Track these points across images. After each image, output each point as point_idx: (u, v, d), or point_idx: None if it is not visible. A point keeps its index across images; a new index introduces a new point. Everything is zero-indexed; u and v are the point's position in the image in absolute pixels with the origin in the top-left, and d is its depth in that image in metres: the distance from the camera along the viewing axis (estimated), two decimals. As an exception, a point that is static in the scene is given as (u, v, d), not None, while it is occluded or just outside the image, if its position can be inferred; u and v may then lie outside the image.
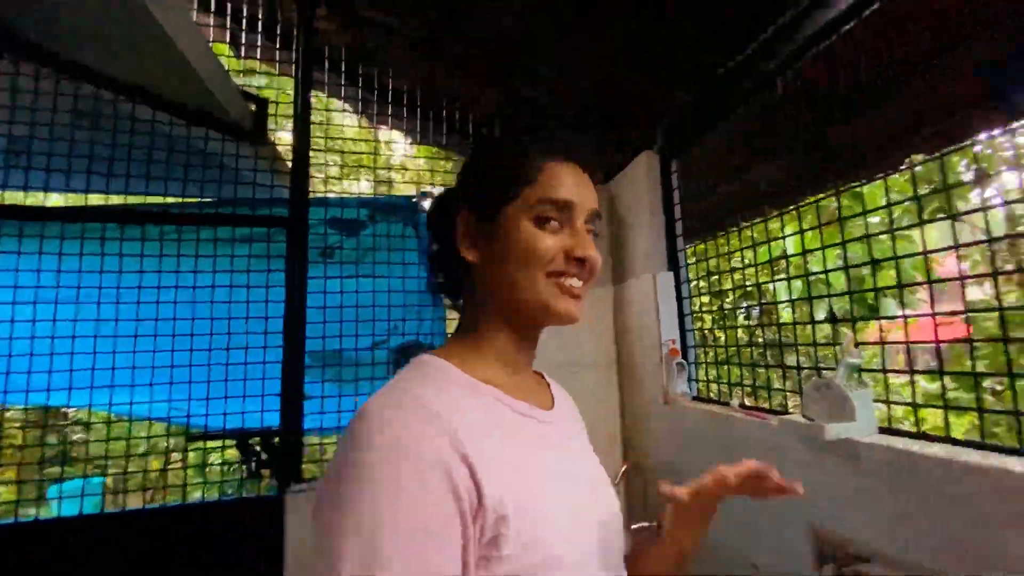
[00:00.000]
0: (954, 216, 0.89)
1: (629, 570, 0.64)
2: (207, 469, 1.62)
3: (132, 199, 1.69)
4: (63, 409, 2.06)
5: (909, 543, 0.82)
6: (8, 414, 1.67)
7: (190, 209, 1.75)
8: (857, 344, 1.02)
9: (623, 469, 1.71)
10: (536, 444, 0.58)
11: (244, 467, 1.65)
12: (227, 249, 1.69)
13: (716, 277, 1.61)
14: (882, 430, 0.96)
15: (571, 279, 0.59)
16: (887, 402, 0.98)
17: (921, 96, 1.06)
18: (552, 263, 0.58)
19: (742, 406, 1.33)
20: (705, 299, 1.63)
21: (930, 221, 1.01)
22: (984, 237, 0.83)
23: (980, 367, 0.91)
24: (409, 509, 0.43)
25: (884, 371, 0.99)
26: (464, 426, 0.49)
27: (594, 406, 1.89)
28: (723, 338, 1.52)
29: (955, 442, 0.85)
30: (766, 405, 1.32)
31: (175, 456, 1.66)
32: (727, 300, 1.51)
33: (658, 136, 1.76)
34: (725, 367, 1.50)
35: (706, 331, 1.61)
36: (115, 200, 1.69)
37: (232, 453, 1.69)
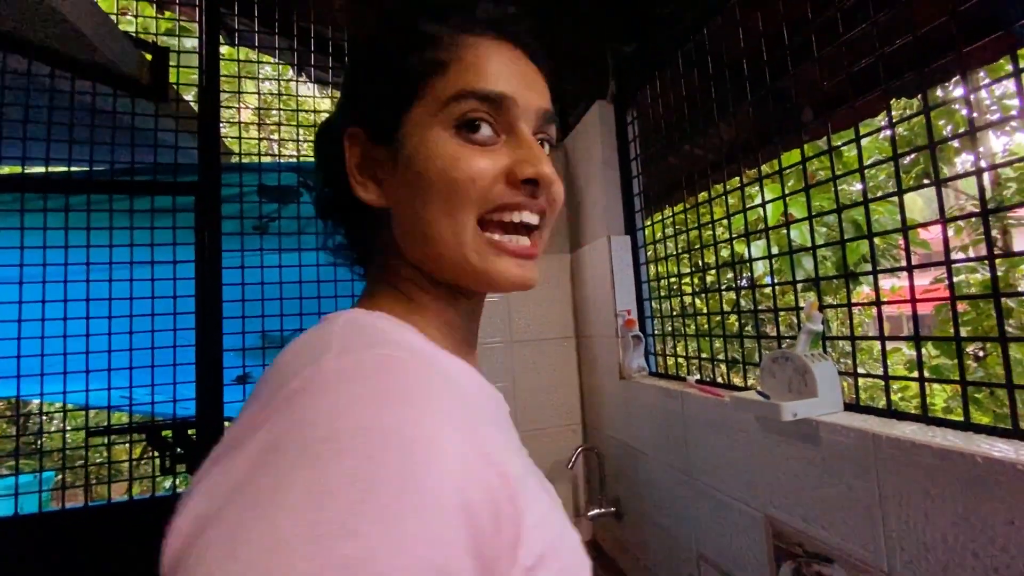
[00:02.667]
0: (939, 182, 0.73)
1: None
2: (114, 466, 1.45)
3: (7, 168, 1.47)
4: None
5: (878, 544, 0.68)
6: None
7: (78, 176, 1.53)
8: (821, 307, 0.87)
9: (578, 450, 1.57)
10: (512, 440, 0.40)
11: (157, 462, 1.48)
12: (126, 221, 1.49)
13: (673, 241, 1.46)
14: (848, 407, 0.82)
15: (519, 214, 0.39)
16: (854, 374, 0.84)
17: (900, 26, 0.89)
18: (488, 197, 0.38)
19: (699, 382, 1.19)
20: (663, 267, 1.48)
21: (911, 189, 0.85)
22: (968, 204, 0.68)
23: (963, 333, 0.78)
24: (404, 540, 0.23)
25: (852, 338, 0.85)
26: (486, 431, 0.31)
27: (555, 382, 1.75)
28: (682, 308, 1.38)
29: (931, 420, 0.71)
30: (730, 381, 1.18)
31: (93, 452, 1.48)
32: (683, 266, 1.36)
33: (611, 84, 1.57)
34: (683, 340, 1.35)
35: (663, 301, 1.46)
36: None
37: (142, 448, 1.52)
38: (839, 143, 0.98)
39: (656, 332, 1.49)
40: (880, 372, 0.81)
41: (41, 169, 1.47)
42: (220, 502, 0.24)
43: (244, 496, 0.24)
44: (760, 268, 2.87)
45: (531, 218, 0.40)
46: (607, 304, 1.52)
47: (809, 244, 2.31)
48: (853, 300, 0.89)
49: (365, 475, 0.24)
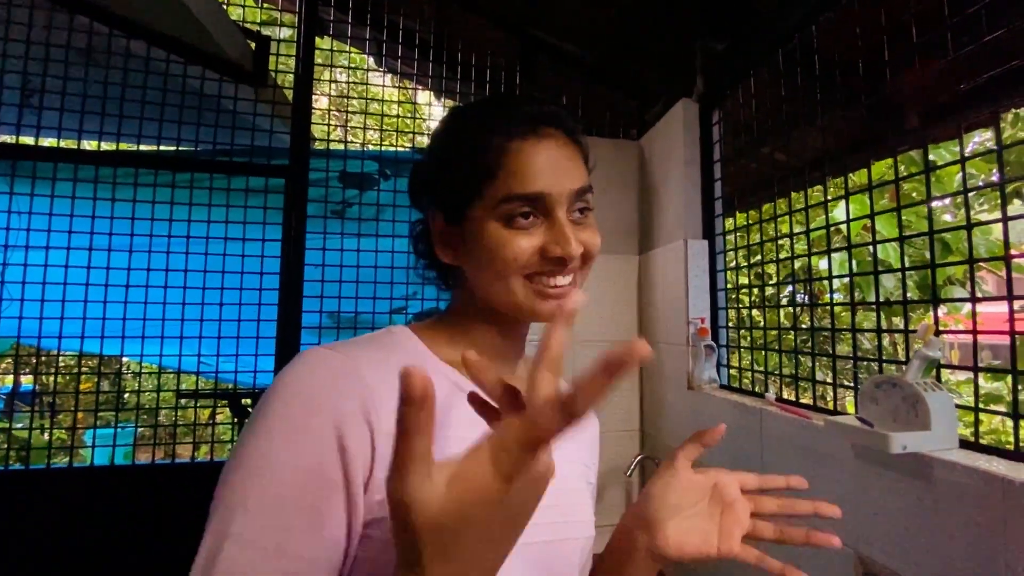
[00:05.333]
0: None
1: None
2: (199, 429, 1.56)
3: (124, 145, 1.61)
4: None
5: (994, 595, 0.62)
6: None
7: (185, 155, 1.65)
8: (938, 332, 0.80)
9: (637, 458, 1.54)
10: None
11: (236, 428, 1.58)
12: (222, 199, 1.59)
13: (758, 254, 1.39)
14: (964, 444, 0.75)
15: (554, 279, 0.50)
16: (975, 409, 0.77)
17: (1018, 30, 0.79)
18: (527, 267, 0.49)
19: (778, 399, 1.13)
20: (744, 277, 1.41)
21: (1017, 217, 0.77)
22: None
23: None
24: (286, 446, 0.40)
25: (976, 369, 0.77)
26: (389, 396, 0.42)
27: (615, 387, 1.72)
28: (761, 321, 1.31)
29: (1070, 468, 0.64)
30: (806, 400, 1.11)
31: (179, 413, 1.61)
32: (769, 278, 1.29)
33: (697, 81, 1.51)
34: (763, 353, 1.29)
35: (743, 312, 1.40)
36: (107, 146, 1.60)
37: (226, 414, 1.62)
38: (935, 160, 0.90)
39: (731, 343, 1.43)
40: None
41: (152, 148, 1.59)
42: None
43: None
44: (836, 284, 2.70)
45: (563, 280, 0.51)
46: (679, 310, 1.48)
47: (888, 260, 2.13)
48: (928, 320, 0.82)
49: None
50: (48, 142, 1.58)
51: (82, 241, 1.50)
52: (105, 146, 1.59)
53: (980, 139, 2.34)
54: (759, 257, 1.40)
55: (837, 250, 1.26)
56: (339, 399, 0.43)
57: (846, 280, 1.09)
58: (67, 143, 1.58)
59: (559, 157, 0.51)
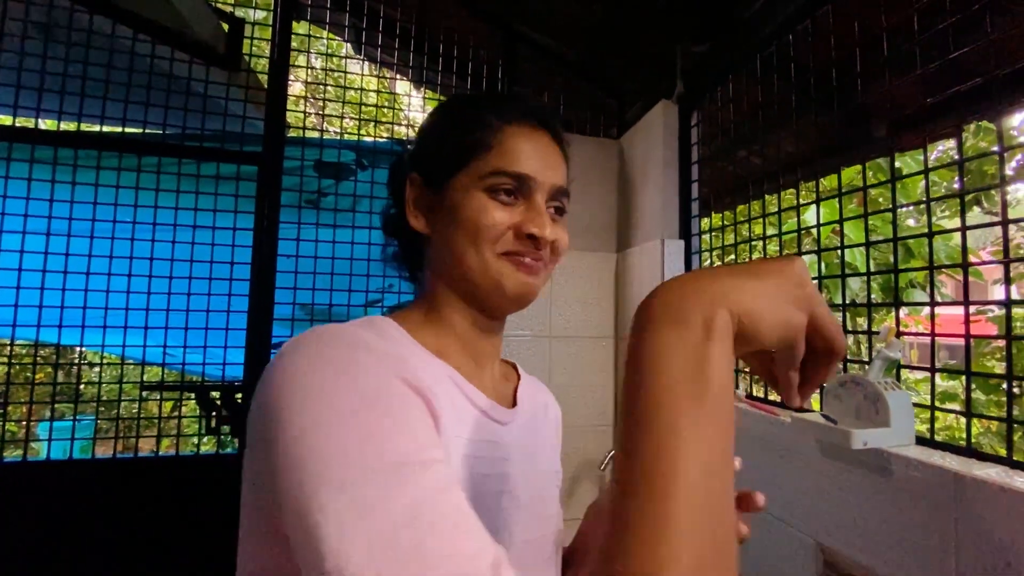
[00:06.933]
0: (1007, 222, 0.71)
1: None
2: (165, 421, 1.51)
3: (86, 126, 1.53)
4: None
5: (944, 583, 0.66)
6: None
7: (152, 139, 1.59)
8: (899, 334, 0.83)
9: (610, 453, 1.56)
10: (478, 439, 0.50)
11: (203, 422, 1.54)
12: (191, 185, 1.53)
13: (732, 255, 1.42)
14: (920, 440, 0.79)
15: (525, 259, 0.52)
16: (931, 407, 0.80)
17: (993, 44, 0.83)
18: (500, 241, 0.51)
19: (748, 396, 1.16)
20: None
21: (977, 227, 0.81)
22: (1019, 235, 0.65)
23: (1002, 369, 0.74)
24: (374, 403, 0.36)
25: (933, 369, 0.81)
26: (423, 377, 0.40)
27: (588, 381, 1.74)
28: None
29: (1015, 464, 0.68)
30: (775, 397, 1.15)
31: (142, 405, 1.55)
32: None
33: (678, 83, 1.53)
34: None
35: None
36: (67, 126, 1.52)
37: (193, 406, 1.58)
38: (901, 167, 0.94)
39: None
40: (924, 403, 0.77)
41: (117, 129, 1.53)
42: None
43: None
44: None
45: (533, 261, 0.52)
46: (654, 309, 1.50)
47: (856, 264, 2.21)
48: (890, 321, 0.86)
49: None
50: (2, 120, 1.50)
51: (39, 225, 1.43)
52: (65, 127, 1.52)
53: (944, 147, 2.45)
54: (733, 258, 1.44)
55: (807, 253, 1.30)
56: (400, 369, 0.39)
57: (816, 281, 1.13)
58: (24, 122, 1.49)
59: (548, 152, 0.54)
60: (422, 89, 1.83)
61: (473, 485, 0.46)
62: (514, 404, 0.58)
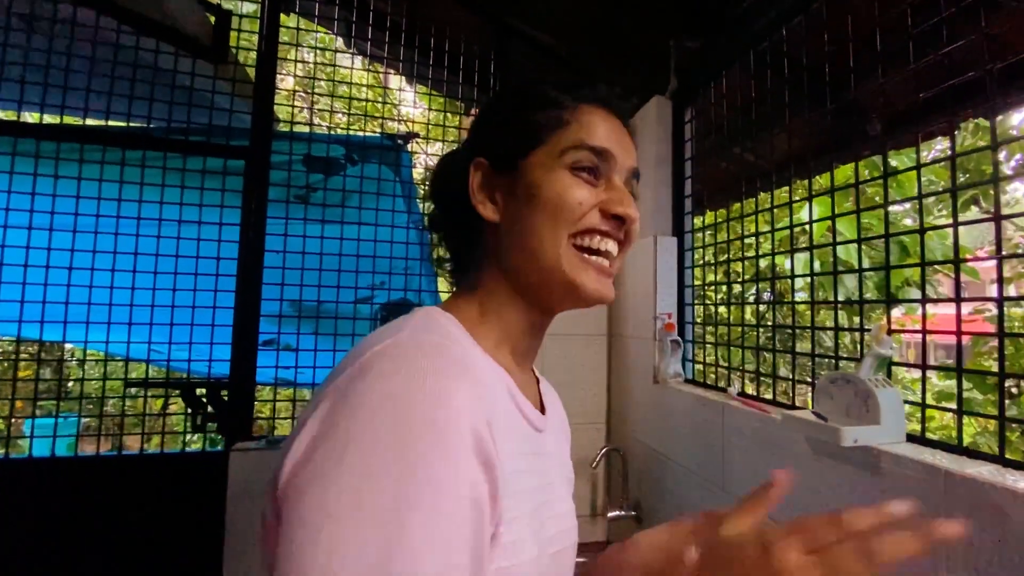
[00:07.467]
0: (999, 217, 0.70)
1: None
2: (151, 419, 1.49)
3: (69, 119, 1.50)
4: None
5: (934, 583, 0.65)
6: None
7: (137, 132, 1.56)
8: (890, 331, 0.82)
9: (603, 450, 1.55)
10: (526, 452, 0.48)
11: (189, 419, 1.52)
12: (177, 179, 1.51)
13: (725, 252, 1.41)
14: (911, 438, 0.78)
15: (604, 241, 0.50)
16: (923, 405, 0.79)
17: (988, 40, 0.81)
18: (583, 219, 0.48)
19: (741, 394, 1.15)
20: (711, 274, 1.43)
21: (969, 223, 0.81)
22: (1017, 235, 0.64)
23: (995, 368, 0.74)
24: (443, 469, 0.34)
25: (924, 367, 0.80)
26: (492, 402, 0.41)
27: (581, 379, 1.73)
28: (727, 317, 1.33)
29: (1008, 463, 0.67)
30: (768, 395, 1.14)
31: (127, 402, 1.52)
32: (736, 276, 1.32)
33: (671, 78, 1.52)
34: (727, 349, 1.31)
35: (709, 308, 1.42)
36: (50, 119, 1.49)
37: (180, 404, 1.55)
38: (897, 165, 0.92)
39: (696, 339, 1.45)
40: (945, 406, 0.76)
41: (101, 122, 1.50)
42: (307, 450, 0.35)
43: (324, 444, 0.35)
44: (799, 282, 2.78)
45: (612, 247, 0.51)
46: (646, 306, 1.49)
47: (851, 261, 2.21)
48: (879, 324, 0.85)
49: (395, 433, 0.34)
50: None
51: (21, 219, 1.40)
52: (48, 119, 1.49)
53: (942, 147, 2.45)
54: (727, 255, 1.42)
55: (801, 250, 1.29)
56: (475, 408, 0.37)
57: (809, 279, 1.12)
58: (6, 114, 1.47)
59: (624, 135, 0.53)
60: (413, 83, 1.81)
61: (525, 500, 0.44)
62: (542, 408, 0.57)
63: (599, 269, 0.49)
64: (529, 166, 0.50)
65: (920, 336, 0.81)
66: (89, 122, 1.50)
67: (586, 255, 0.49)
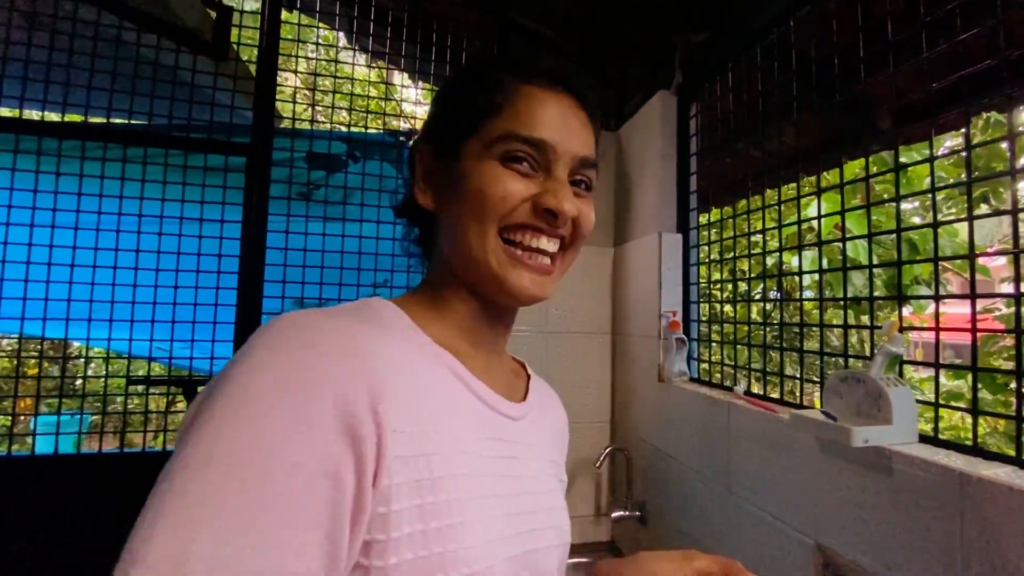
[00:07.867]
0: (1016, 211, 0.68)
1: None
2: (151, 417, 1.48)
3: (71, 116, 1.50)
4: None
5: (948, 588, 0.63)
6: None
7: (138, 129, 1.55)
8: (902, 329, 0.80)
9: (607, 449, 1.53)
10: (484, 436, 0.46)
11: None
12: (178, 176, 1.50)
13: (731, 250, 1.38)
14: (923, 439, 0.76)
15: (536, 238, 0.46)
16: (935, 404, 0.77)
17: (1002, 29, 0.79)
18: (512, 214, 0.45)
19: (747, 393, 1.13)
20: (716, 272, 1.41)
21: (984, 216, 0.78)
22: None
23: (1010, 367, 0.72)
24: (287, 437, 0.32)
25: (937, 365, 0.77)
26: (398, 385, 0.38)
27: (585, 377, 1.71)
28: (733, 315, 1.31)
29: (1025, 464, 0.64)
30: (775, 395, 1.12)
31: (129, 400, 1.52)
32: (742, 274, 1.30)
33: (676, 73, 1.49)
34: (733, 347, 1.29)
35: (714, 306, 1.40)
36: (52, 116, 1.49)
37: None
38: (905, 161, 0.90)
39: (702, 337, 1.43)
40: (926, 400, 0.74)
41: (102, 119, 1.49)
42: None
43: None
44: (806, 280, 2.75)
45: (548, 245, 0.47)
46: (651, 304, 1.47)
47: (859, 259, 2.18)
48: (894, 319, 0.83)
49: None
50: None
51: (23, 217, 1.40)
52: (50, 116, 1.49)
53: (952, 143, 2.41)
54: (732, 253, 1.40)
55: (808, 247, 1.27)
56: (347, 382, 0.35)
57: (817, 277, 1.10)
58: (8, 112, 1.46)
59: (570, 117, 0.48)
60: (416, 79, 1.79)
61: (474, 486, 0.42)
62: (523, 398, 0.55)
63: (534, 268, 0.46)
64: (463, 154, 0.47)
65: (927, 335, 0.79)
66: (91, 119, 1.49)
67: (519, 251, 0.46)
